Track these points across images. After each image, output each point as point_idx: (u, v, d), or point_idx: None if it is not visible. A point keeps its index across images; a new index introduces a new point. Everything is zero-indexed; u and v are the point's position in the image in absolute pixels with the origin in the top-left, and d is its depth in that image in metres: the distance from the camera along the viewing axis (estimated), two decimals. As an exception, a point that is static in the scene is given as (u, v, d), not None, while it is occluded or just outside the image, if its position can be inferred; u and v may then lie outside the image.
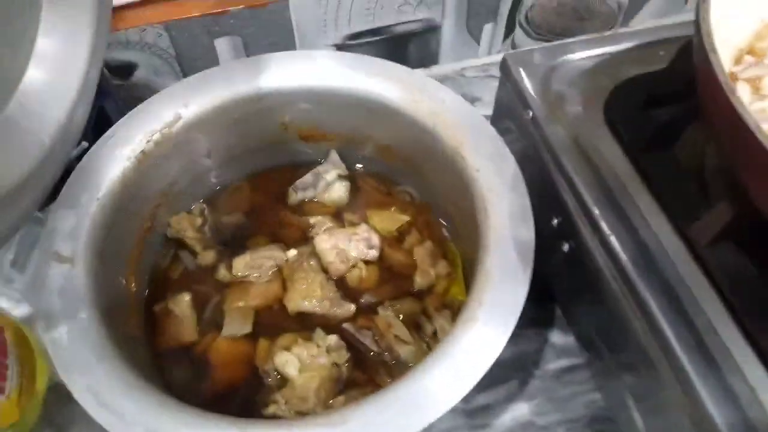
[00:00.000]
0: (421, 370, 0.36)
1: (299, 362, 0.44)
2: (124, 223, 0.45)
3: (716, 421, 0.31)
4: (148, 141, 0.46)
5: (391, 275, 0.50)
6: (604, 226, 0.37)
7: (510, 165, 0.43)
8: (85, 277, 0.40)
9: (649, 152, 0.39)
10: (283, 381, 0.44)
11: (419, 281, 0.49)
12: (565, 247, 0.42)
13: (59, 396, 0.48)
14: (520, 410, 0.47)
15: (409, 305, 0.48)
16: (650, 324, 0.34)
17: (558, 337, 0.50)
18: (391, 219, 0.52)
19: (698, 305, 0.34)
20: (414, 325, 0.47)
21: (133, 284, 0.46)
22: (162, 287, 0.50)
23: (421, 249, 0.50)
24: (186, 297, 0.48)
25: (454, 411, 0.46)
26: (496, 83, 0.51)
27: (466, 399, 0.47)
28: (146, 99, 0.48)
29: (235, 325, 0.46)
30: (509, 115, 0.46)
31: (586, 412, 0.46)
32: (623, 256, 0.36)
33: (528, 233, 0.40)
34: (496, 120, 0.49)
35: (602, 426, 0.45)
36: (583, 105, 0.42)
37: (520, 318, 0.37)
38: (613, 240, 0.36)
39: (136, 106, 0.48)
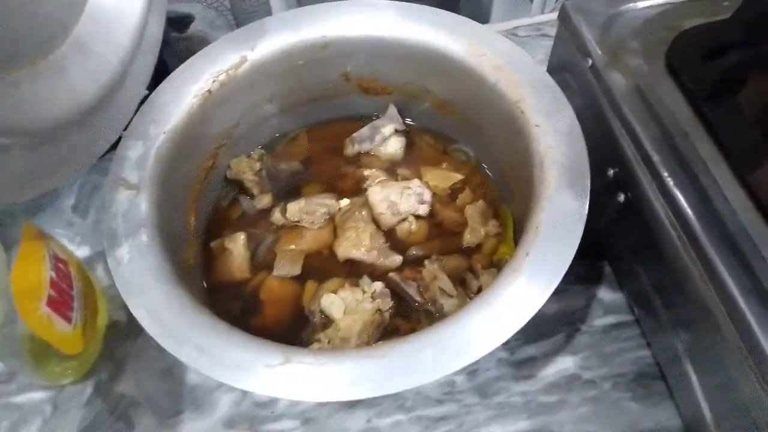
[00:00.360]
0: (464, 315, 0.36)
1: (344, 305, 0.45)
2: (187, 159, 0.47)
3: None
4: (214, 80, 0.47)
5: (441, 231, 0.51)
6: (664, 173, 0.36)
7: (570, 120, 0.42)
8: (148, 205, 0.42)
9: (712, 100, 0.38)
10: (328, 322, 0.45)
11: (468, 238, 0.49)
12: (621, 198, 0.41)
13: (117, 333, 0.50)
14: (565, 363, 0.47)
15: (455, 261, 0.48)
16: (711, 274, 0.34)
17: (606, 294, 0.50)
18: (445, 177, 0.53)
19: (760, 254, 0.33)
20: (459, 280, 0.47)
21: (192, 218, 0.48)
22: (219, 225, 0.51)
23: (473, 207, 0.50)
24: (241, 236, 0.49)
25: (499, 361, 0.47)
26: (548, 42, 0.50)
27: (512, 350, 0.48)
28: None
29: (286, 267, 0.48)
30: (566, 66, 0.46)
31: (633, 367, 0.46)
32: (683, 204, 0.35)
33: (583, 191, 0.39)
34: (550, 73, 0.49)
35: (649, 382, 0.45)
36: (643, 54, 0.42)
37: (568, 274, 0.36)
38: (674, 187, 0.36)
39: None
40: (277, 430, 0.45)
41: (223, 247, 0.49)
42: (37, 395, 0.47)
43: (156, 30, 0.47)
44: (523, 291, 0.36)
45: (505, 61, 0.46)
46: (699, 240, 0.34)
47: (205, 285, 0.48)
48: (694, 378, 0.39)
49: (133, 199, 0.42)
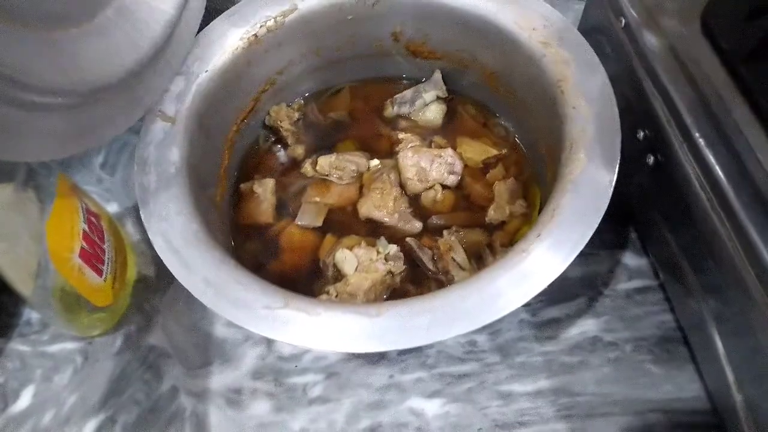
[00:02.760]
0: (466, 285, 0.36)
1: (357, 262, 0.45)
2: (227, 100, 0.48)
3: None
4: (262, 26, 0.48)
5: (466, 204, 0.51)
6: (696, 134, 0.36)
7: (609, 106, 0.40)
8: (182, 138, 0.43)
9: (749, 63, 0.37)
10: (340, 276, 0.46)
11: (492, 215, 0.49)
12: (651, 160, 0.41)
13: (146, 287, 0.51)
14: (587, 326, 0.47)
15: (475, 236, 0.48)
16: (741, 238, 0.34)
17: (631, 260, 0.50)
18: (480, 150, 0.52)
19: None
20: (476, 255, 0.47)
21: (225, 158, 0.50)
22: (251, 169, 0.53)
23: (502, 184, 0.50)
24: (271, 182, 0.51)
25: (521, 322, 0.48)
26: (578, 6, 0.49)
27: (534, 312, 0.48)
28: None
29: (309, 217, 0.49)
30: (599, 27, 0.45)
31: (656, 331, 0.46)
32: (715, 166, 0.35)
33: (609, 176, 0.38)
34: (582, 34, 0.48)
35: (671, 346, 0.45)
36: (678, 14, 0.41)
37: (594, 239, 0.36)
38: (705, 148, 0.36)
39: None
40: (301, 383, 0.46)
41: (252, 191, 0.51)
42: (69, 345, 0.49)
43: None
44: (548, 252, 0.36)
45: (555, 36, 0.45)
46: (730, 203, 0.34)
47: (229, 224, 0.50)
48: (719, 343, 0.39)
49: (169, 130, 0.43)
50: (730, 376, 0.39)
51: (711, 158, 0.35)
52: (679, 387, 0.44)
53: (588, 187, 0.38)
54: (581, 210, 0.37)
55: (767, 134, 0.35)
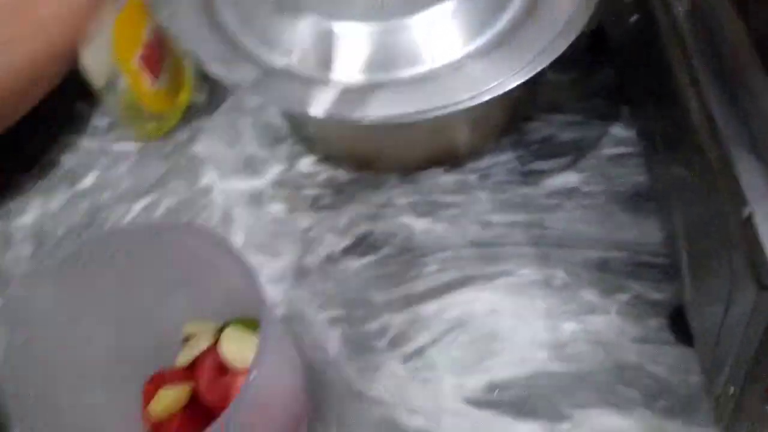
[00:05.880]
0: None
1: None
2: None
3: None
4: None
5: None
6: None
7: None
8: None
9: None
10: None
11: None
12: (633, 18, 0.45)
13: (196, 109, 0.60)
14: (569, 178, 0.52)
15: None
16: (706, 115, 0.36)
17: (620, 131, 0.54)
18: None
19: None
20: None
21: None
22: None
23: None
24: None
25: (511, 170, 0.54)
26: None
27: (524, 163, 0.54)
28: None
29: None
30: None
31: (630, 188, 0.51)
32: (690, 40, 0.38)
33: None
34: None
35: (642, 201, 0.50)
36: None
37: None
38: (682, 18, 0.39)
39: None
40: (313, 194, 0.53)
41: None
42: (128, 146, 0.58)
43: None
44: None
45: None
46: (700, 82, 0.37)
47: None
48: (676, 204, 0.44)
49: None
50: (681, 233, 0.44)
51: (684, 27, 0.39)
52: (643, 233, 0.49)
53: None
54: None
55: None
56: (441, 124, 0.49)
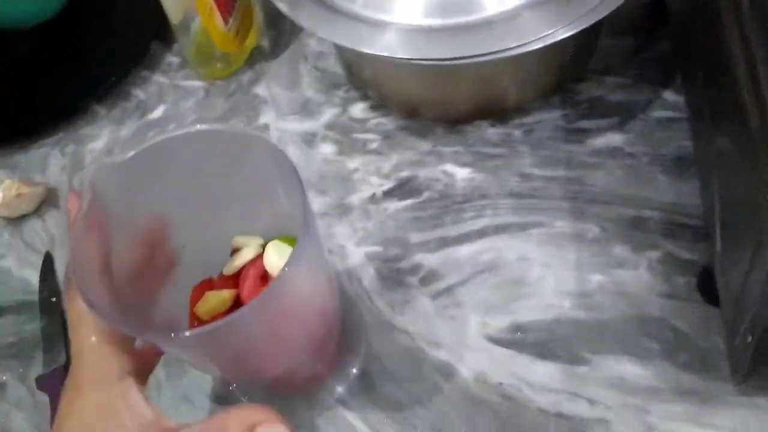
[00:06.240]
0: None
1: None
2: None
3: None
4: None
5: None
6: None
7: None
8: None
9: None
10: None
11: None
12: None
13: (260, 54, 0.63)
14: (613, 138, 0.53)
15: None
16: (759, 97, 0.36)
17: (670, 95, 0.54)
18: None
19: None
20: None
21: None
22: None
23: None
24: None
25: (556, 126, 0.55)
26: None
27: (570, 121, 0.55)
28: None
29: None
30: None
31: (674, 151, 0.51)
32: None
33: None
34: None
35: (683, 165, 0.50)
36: None
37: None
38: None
39: None
40: (362, 138, 0.56)
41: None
42: (196, 83, 0.62)
43: None
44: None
45: None
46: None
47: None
48: (716, 175, 0.44)
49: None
50: (717, 201, 0.44)
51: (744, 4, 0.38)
52: (680, 196, 0.49)
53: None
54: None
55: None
56: (489, 72, 0.51)
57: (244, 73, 0.62)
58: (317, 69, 0.61)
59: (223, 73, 0.62)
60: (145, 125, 0.60)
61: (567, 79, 0.56)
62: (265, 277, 0.40)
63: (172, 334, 0.27)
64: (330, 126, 0.58)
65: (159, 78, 0.63)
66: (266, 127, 0.58)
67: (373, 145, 0.56)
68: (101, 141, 0.60)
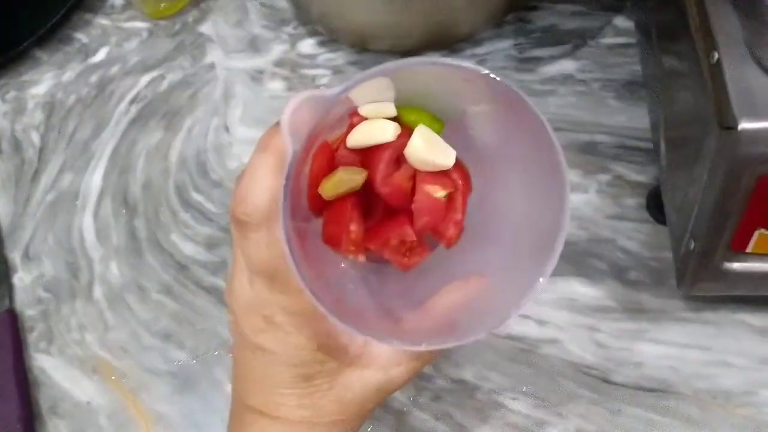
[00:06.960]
0: None
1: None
2: None
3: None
4: None
5: None
6: None
7: None
8: None
9: None
10: None
11: None
12: None
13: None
14: (565, 65, 0.52)
15: None
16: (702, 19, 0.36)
17: (622, 22, 0.54)
18: None
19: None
20: None
21: None
22: None
23: None
24: None
25: (508, 56, 0.54)
26: None
27: (521, 50, 0.54)
28: None
29: None
30: None
31: (624, 76, 0.51)
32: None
33: None
34: None
35: (634, 89, 0.50)
36: None
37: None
38: None
39: None
40: (311, 74, 0.55)
41: None
42: (140, 24, 0.60)
43: None
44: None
45: None
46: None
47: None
48: (662, 93, 0.44)
49: None
50: (662, 119, 0.44)
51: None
52: (631, 119, 0.49)
53: None
54: None
55: None
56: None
57: (189, 12, 0.60)
58: (264, 5, 0.59)
59: (168, 11, 0.59)
60: (88, 69, 0.58)
61: (519, 3, 0.55)
62: (399, 161, 0.31)
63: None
64: (279, 63, 0.56)
65: (101, 20, 0.61)
66: (213, 65, 0.57)
67: (323, 81, 0.54)
68: (43, 86, 0.58)
